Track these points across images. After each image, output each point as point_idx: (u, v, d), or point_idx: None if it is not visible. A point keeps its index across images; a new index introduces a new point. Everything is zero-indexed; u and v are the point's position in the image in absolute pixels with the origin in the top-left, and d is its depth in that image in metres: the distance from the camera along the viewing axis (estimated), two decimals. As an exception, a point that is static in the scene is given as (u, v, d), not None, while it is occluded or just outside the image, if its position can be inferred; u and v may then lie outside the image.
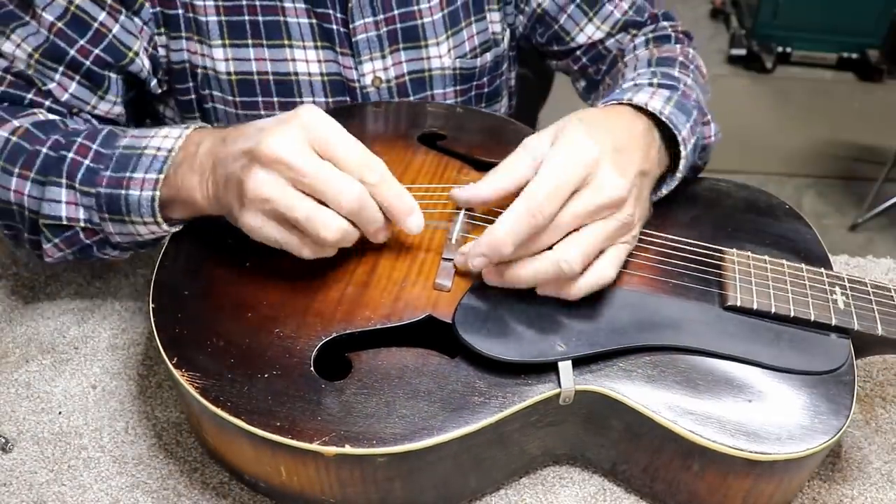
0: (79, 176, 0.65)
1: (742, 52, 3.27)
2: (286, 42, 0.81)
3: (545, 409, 0.58)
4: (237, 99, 0.83)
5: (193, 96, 0.84)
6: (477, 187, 0.62)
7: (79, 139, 0.67)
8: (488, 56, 0.91)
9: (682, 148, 0.68)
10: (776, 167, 2.74)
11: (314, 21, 0.81)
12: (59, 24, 0.73)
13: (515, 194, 0.61)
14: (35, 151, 0.68)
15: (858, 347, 0.62)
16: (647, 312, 0.62)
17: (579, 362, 0.58)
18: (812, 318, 0.61)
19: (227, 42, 0.80)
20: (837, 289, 0.64)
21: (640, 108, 0.69)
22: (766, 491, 0.59)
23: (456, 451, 0.56)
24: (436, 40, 0.86)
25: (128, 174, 0.64)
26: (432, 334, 0.60)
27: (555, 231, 0.58)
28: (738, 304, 0.62)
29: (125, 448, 0.66)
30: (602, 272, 0.60)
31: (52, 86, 0.74)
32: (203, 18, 0.79)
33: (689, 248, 0.67)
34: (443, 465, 0.57)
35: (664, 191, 0.71)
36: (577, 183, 0.58)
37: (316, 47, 0.82)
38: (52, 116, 0.73)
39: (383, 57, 0.85)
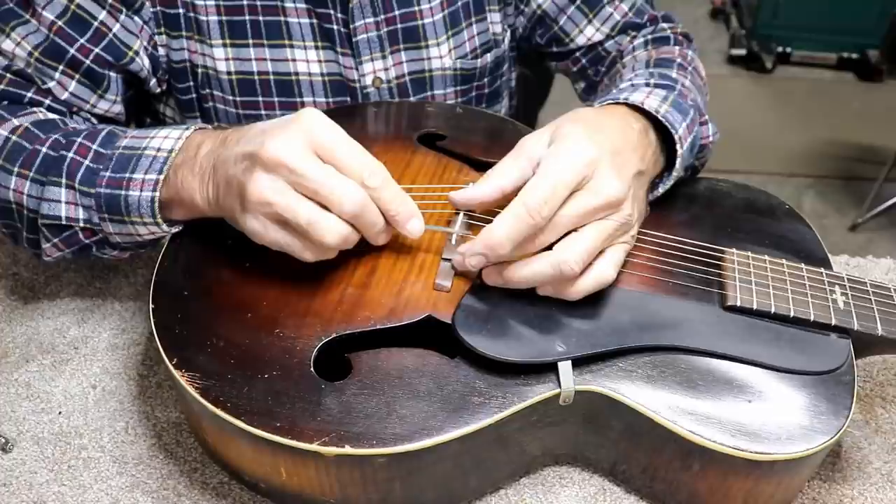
0: (78, 176, 0.65)
1: (742, 52, 3.27)
2: (287, 42, 0.81)
3: (545, 409, 0.58)
4: (237, 98, 0.83)
5: (193, 96, 0.84)
6: (474, 190, 0.63)
7: (79, 139, 0.67)
8: (489, 57, 0.91)
9: (678, 146, 0.68)
10: (776, 167, 2.74)
11: (315, 21, 0.81)
12: (60, 23, 0.73)
13: (514, 194, 0.61)
14: (34, 151, 0.68)
15: (858, 347, 0.62)
16: (647, 312, 0.62)
17: (579, 362, 0.58)
18: (812, 318, 0.61)
19: (227, 42, 0.80)
20: (837, 289, 0.64)
21: (636, 108, 0.69)
22: (767, 491, 0.59)
23: (456, 452, 0.56)
24: (436, 41, 0.86)
25: (127, 175, 0.64)
26: (432, 334, 0.60)
27: (553, 231, 0.58)
28: (738, 304, 0.62)
29: (125, 448, 0.66)
30: (602, 272, 0.60)
31: (51, 84, 0.74)
32: (203, 18, 0.79)
33: (688, 248, 0.67)
34: (443, 466, 0.57)
35: (661, 190, 0.71)
36: (574, 184, 0.58)
37: (316, 47, 0.82)
38: (51, 116, 0.73)
39: (384, 57, 0.85)
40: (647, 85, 0.74)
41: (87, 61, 0.74)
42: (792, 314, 0.62)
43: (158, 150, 0.64)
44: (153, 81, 0.81)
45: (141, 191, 0.63)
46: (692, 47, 0.90)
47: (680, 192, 0.75)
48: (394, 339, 0.59)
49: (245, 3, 0.79)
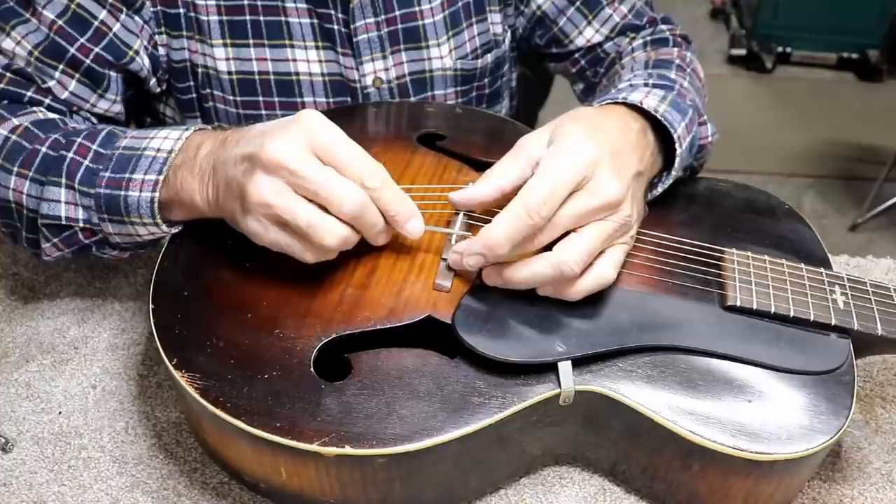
0: (78, 176, 0.65)
1: (742, 52, 3.27)
2: (287, 42, 0.81)
3: (545, 409, 0.58)
4: (238, 98, 0.83)
5: (194, 95, 0.84)
6: (473, 189, 0.63)
7: (78, 139, 0.67)
8: (489, 57, 0.91)
9: (677, 146, 0.68)
10: (776, 167, 2.74)
11: (315, 21, 0.81)
12: (60, 22, 0.73)
13: (513, 194, 0.61)
14: (34, 150, 0.68)
15: (858, 347, 0.62)
16: (647, 312, 0.62)
17: (579, 362, 0.58)
18: (812, 318, 0.61)
19: (228, 41, 0.80)
20: (837, 289, 0.64)
21: (635, 108, 0.69)
22: (767, 491, 0.59)
23: (456, 452, 0.56)
24: (437, 41, 0.86)
25: (127, 175, 0.64)
26: (432, 335, 0.60)
27: (553, 231, 0.58)
28: (738, 304, 0.62)
29: (125, 448, 0.66)
30: (602, 273, 0.60)
31: (51, 84, 0.74)
32: (204, 18, 0.79)
33: (688, 248, 0.67)
34: (443, 466, 0.57)
35: (659, 189, 0.71)
36: (574, 185, 0.58)
37: (317, 47, 0.82)
38: (51, 115, 0.73)
39: (384, 57, 0.85)
40: (646, 85, 0.74)
41: (88, 61, 0.74)
42: (792, 314, 0.62)
43: (158, 150, 0.64)
44: (153, 81, 0.81)
45: (140, 191, 0.63)
46: (691, 49, 0.90)
47: (680, 191, 0.75)
48: (394, 339, 0.59)
49: (246, 2, 0.79)
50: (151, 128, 0.68)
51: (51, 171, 0.66)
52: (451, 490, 0.60)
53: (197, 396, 0.55)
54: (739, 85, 3.20)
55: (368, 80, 0.85)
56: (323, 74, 0.84)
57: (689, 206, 0.74)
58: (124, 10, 0.76)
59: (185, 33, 0.80)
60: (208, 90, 0.83)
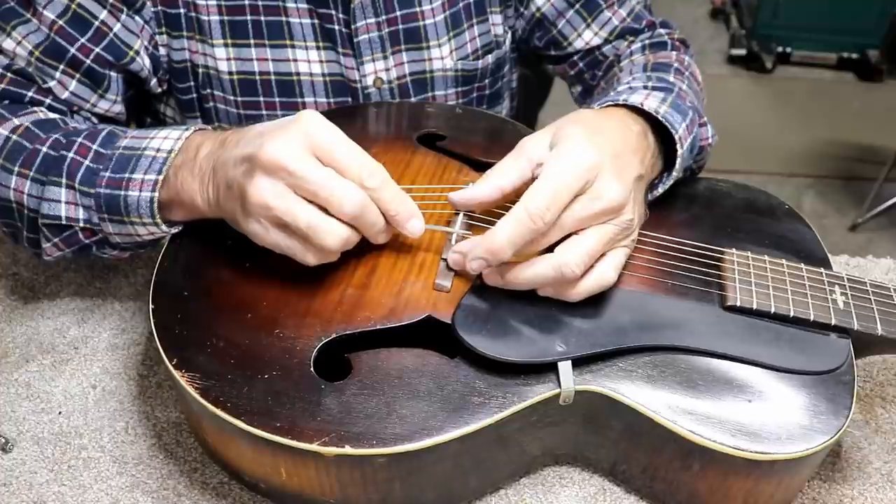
0: (78, 176, 0.65)
1: (742, 52, 3.27)
2: (288, 42, 0.81)
3: (545, 409, 0.58)
4: (238, 98, 0.83)
5: (194, 96, 0.84)
6: (473, 190, 0.63)
7: (79, 139, 0.67)
8: (490, 58, 0.91)
9: (678, 147, 0.68)
10: (776, 167, 2.74)
11: (316, 21, 0.81)
12: (60, 22, 0.73)
13: (513, 194, 0.61)
14: (35, 150, 0.68)
15: (858, 347, 0.62)
16: (647, 313, 0.62)
17: (579, 362, 0.58)
18: (812, 318, 0.61)
19: (229, 42, 0.80)
20: (837, 289, 0.64)
21: (635, 110, 0.69)
22: (767, 491, 0.59)
23: (456, 452, 0.56)
24: (437, 42, 0.86)
25: (127, 175, 0.64)
26: (432, 334, 0.60)
27: (555, 233, 0.58)
28: (738, 304, 0.62)
29: (125, 448, 0.66)
30: (603, 275, 0.60)
31: (52, 84, 0.74)
32: (205, 18, 0.79)
33: (688, 248, 0.67)
34: (443, 466, 0.57)
35: (660, 190, 0.71)
36: (577, 189, 0.58)
37: (318, 48, 0.82)
38: (52, 115, 0.73)
39: (385, 58, 0.85)
40: (645, 88, 0.74)
41: (88, 61, 0.74)
42: (792, 314, 0.62)
43: (158, 150, 0.64)
44: (154, 81, 0.81)
45: (140, 191, 0.63)
46: (689, 53, 0.90)
47: (680, 192, 0.75)
48: (394, 339, 0.59)
49: (247, 3, 0.79)
50: (152, 128, 0.68)
51: (51, 171, 0.66)
52: (451, 490, 0.60)
53: (197, 396, 0.55)
54: (739, 85, 3.20)
55: (369, 81, 0.85)
56: (324, 75, 0.84)
57: (689, 207, 0.74)
58: (125, 10, 0.76)
59: (185, 33, 0.80)
60: (209, 90, 0.83)
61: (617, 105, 0.70)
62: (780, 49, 3.26)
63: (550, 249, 0.59)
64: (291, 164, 0.55)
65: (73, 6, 0.73)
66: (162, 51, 0.80)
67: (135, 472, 0.64)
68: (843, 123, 2.94)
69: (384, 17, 0.83)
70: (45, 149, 0.68)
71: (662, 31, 0.91)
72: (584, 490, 0.63)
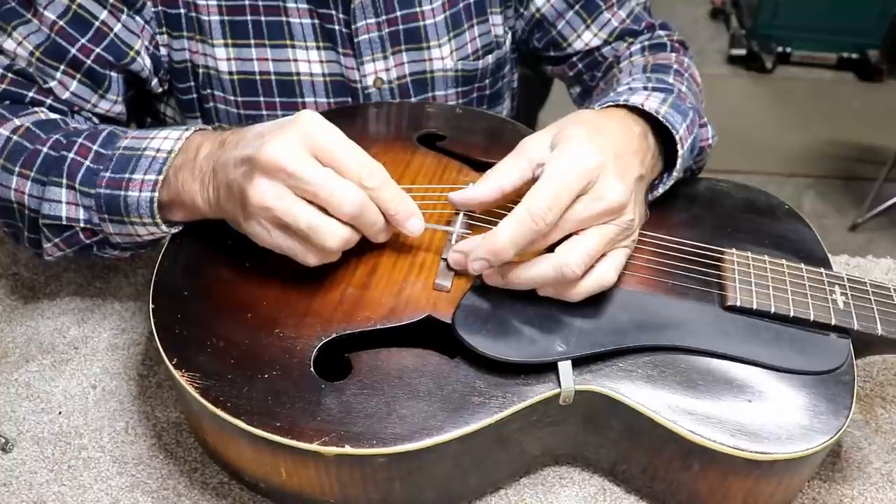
0: (79, 176, 0.65)
1: (742, 52, 3.27)
2: (288, 42, 0.81)
3: (545, 409, 0.58)
4: (239, 99, 0.83)
5: (195, 96, 0.84)
6: (473, 190, 0.63)
7: (79, 139, 0.67)
8: (490, 58, 0.91)
9: (678, 147, 0.68)
10: (776, 167, 2.74)
11: (316, 21, 0.81)
12: (61, 23, 0.73)
13: (513, 194, 0.62)
14: (36, 151, 0.68)
15: (858, 347, 0.62)
16: (647, 313, 0.62)
17: (579, 362, 0.58)
18: (812, 318, 0.61)
19: (229, 42, 0.80)
20: (837, 289, 0.64)
21: (635, 110, 0.69)
22: (767, 491, 0.59)
23: (456, 452, 0.56)
24: (438, 42, 0.86)
25: (127, 175, 0.64)
26: (432, 334, 0.60)
27: (556, 233, 0.58)
28: (738, 304, 0.62)
29: (125, 448, 0.66)
30: (603, 275, 0.60)
31: (52, 84, 0.74)
32: (205, 18, 0.79)
33: (688, 248, 0.67)
34: (442, 466, 0.57)
35: (660, 190, 0.71)
36: (579, 190, 0.58)
37: (318, 48, 0.82)
38: (53, 115, 0.73)
39: (385, 58, 0.85)
40: (645, 88, 0.74)
41: (89, 61, 0.74)
42: (792, 314, 0.62)
43: (158, 150, 0.64)
44: (154, 81, 0.81)
45: (140, 191, 0.63)
46: (688, 55, 0.90)
47: (680, 192, 0.75)
48: (394, 339, 0.59)
49: (247, 3, 0.79)
50: (152, 128, 0.68)
51: (52, 172, 0.66)
52: (451, 490, 0.60)
53: (197, 396, 0.55)
54: (739, 85, 3.20)
55: (369, 81, 0.85)
56: (324, 75, 0.84)
57: (689, 207, 0.74)
58: (125, 10, 0.76)
59: (185, 33, 0.80)
60: (209, 90, 0.83)
61: (617, 106, 0.70)
62: (780, 49, 3.26)
63: (551, 249, 0.59)
64: (291, 164, 0.55)
65: (74, 6, 0.73)
66: (162, 51, 0.80)
67: (135, 472, 0.64)
68: (843, 123, 2.94)
69: (384, 18, 0.83)
70: (45, 149, 0.68)
71: (662, 32, 0.92)
72: (584, 490, 0.63)
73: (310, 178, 0.55)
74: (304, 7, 0.80)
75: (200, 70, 0.82)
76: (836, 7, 3.16)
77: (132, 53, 0.77)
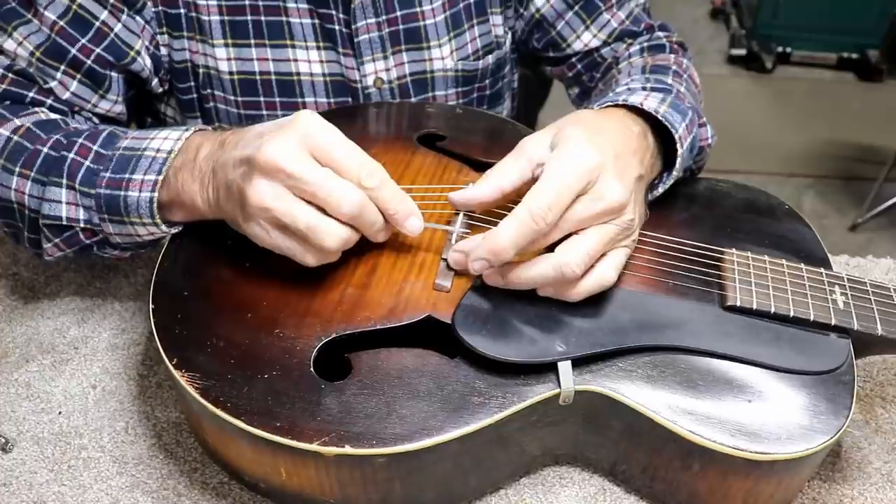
0: (79, 177, 0.65)
1: (742, 52, 3.27)
2: (288, 42, 0.81)
3: (545, 409, 0.58)
4: (239, 99, 0.83)
5: (195, 96, 0.84)
6: (473, 190, 0.63)
7: (80, 140, 0.67)
8: (490, 58, 0.91)
9: (678, 146, 0.68)
10: (776, 167, 2.74)
11: (316, 21, 0.81)
12: (61, 23, 0.73)
13: (513, 194, 0.62)
14: (36, 151, 0.68)
15: (858, 347, 0.62)
16: (647, 313, 0.62)
17: (579, 362, 0.58)
18: (812, 318, 0.61)
19: (229, 42, 0.80)
20: (837, 289, 0.64)
21: (634, 110, 0.69)
22: (767, 491, 0.59)
23: (456, 452, 0.56)
24: (438, 42, 0.86)
25: (127, 175, 0.64)
26: (432, 334, 0.60)
27: (556, 233, 0.58)
28: (738, 304, 0.62)
29: (125, 448, 0.66)
30: (603, 275, 0.60)
31: (53, 84, 0.74)
32: (206, 18, 0.79)
33: (688, 248, 0.67)
34: (442, 466, 0.57)
35: (660, 190, 0.71)
36: (579, 190, 0.58)
37: (318, 48, 0.82)
38: (53, 116, 0.73)
39: (385, 58, 0.85)
40: (644, 89, 0.74)
41: (89, 61, 0.74)
42: (792, 314, 0.62)
43: (158, 150, 0.64)
44: (155, 81, 0.81)
45: (140, 191, 0.63)
46: (687, 56, 0.90)
47: (680, 192, 0.75)
48: (394, 339, 0.59)
49: (247, 3, 0.79)
50: (152, 128, 0.68)
51: (52, 172, 0.66)
52: (451, 490, 0.60)
53: (197, 396, 0.55)
54: (739, 85, 3.20)
55: (369, 81, 0.85)
56: (324, 75, 0.84)
57: (689, 207, 0.74)
58: (125, 10, 0.76)
59: (186, 33, 0.80)
60: (209, 90, 0.83)
61: (616, 105, 0.70)
62: (780, 49, 3.27)
63: (551, 249, 0.59)
64: (289, 165, 0.55)
65: (74, 7, 0.73)
66: (163, 51, 0.80)
67: (135, 472, 0.64)
68: (843, 123, 2.94)
69: (384, 18, 0.83)
70: (45, 149, 0.68)
71: (661, 34, 0.92)
72: (584, 490, 0.63)
73: (308, 179, 0.55)
74: (305, 7, 0.80)
75: (201, 70, 0.82)
76: (836, 7, 3.16)
77: (132, 53, 0.77)
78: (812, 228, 0.73)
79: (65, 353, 0.74)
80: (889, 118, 2.94)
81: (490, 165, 0.64)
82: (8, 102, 0.73)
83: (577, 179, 0.58)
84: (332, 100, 0.85)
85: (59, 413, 0.68)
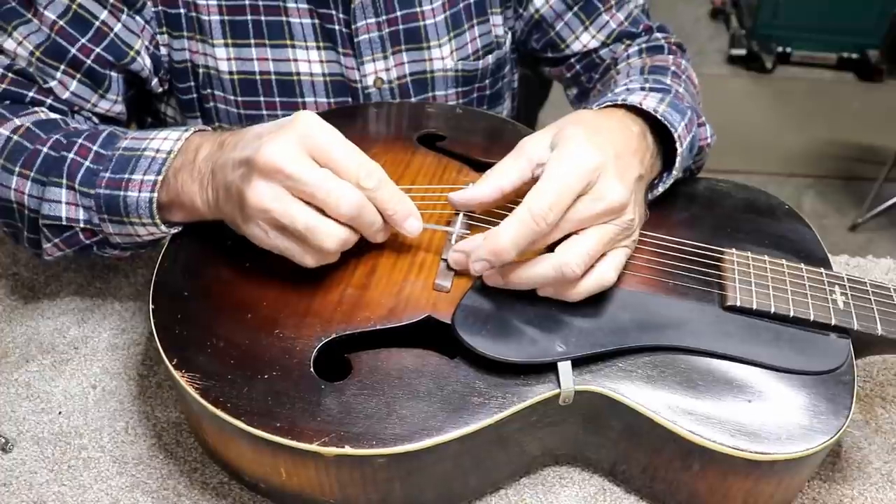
0: (79, 177, 0.65)
1: (742, 52, 3.27)
2: (288, 42, 0.81)
3: (545, 409, 0.58)
4: (239, 98, 0.83)
5: (195, 96, 0.84)
6: (473, 190, 0.63)
7: (79, 140, 0.67)
8: (490, 58, 0.91)
9: (677, 145, 0.68)
10: (776, 167, 2.74)
11: (316, 21, 0.81)
12: (61, 23, 0.73)
13: (513, 195, 0.62)
14: (36, 151, 0.68)
15: (858, 347, 0.62)
16: (647, 313, 0.62)
17: (579, 363, 0.58)
18: (811, 318, 0.61)
19: (229, 42, 0.80)
20: (837, 289, 0.64)
21: (634, 110, 0.69)
22: (767, 491, 0.59)
23: (456, 452, 0.56)
24: (438, 42, 0.86)
25: (126, 176, 0.64)
26: (432, 335, 0.60)
27: (557, 233, 0.58)
28: (738, 304, 0.62)
29: (125, 448, 0.66)
30: (603, 275, 0.60)
31: (53, 84, 0.74)
32: (206, 18, 0.79)
33: (688, 248, 0.67)
34: (442, 466, 0.57)
35: (660, 189, 0.71)
36: (580, 190, 0.58)
37: (318, 47, 0.82)
38: (53, 115, 0.73)
39: (385, 58, 0.85)
40: (643, 89, 0.74)
41: (89, 61, 0.74)
42: (792, 314, 0.62)
43: (157, 151, 0.64)
44: (154, 81, 0.81)
45: (139, 191, 0.63)
46: (686, 57, 0.90)
47: (680, 192, 0.75)
48: (394, 339, 0.59)
49: (247, 2, 0.79)
50: (152, 129, 0.68)
51: (52, 172, 0.66)
52: (451, 490, 0.60)
53: (197, 396, 0.55)
54: (739, 85, 3.20)
55: (369, 81, 0.85)
56: (324, 75, 0.84)
57: (689, 207, 0.74)
58: (125, 10, 0.76)
59: (186, 33, 0.80)
60: (209, 90, 0.83)
61: (616, 105, 0.70)
62: (780, 49, 3.27)
63: (551, 249, 0.59)
64: (288, 166, 0.55)
65: (74, 6, 0.73)
66: (163, 51, 0.80)
67: (135, 472, 0.64)
68: (843, 123, 2.94)
69: (384, 17, 0.83)
70: (45, 149, 0.68)
71: (659, 35, 0.92)
72: (584, 490, 0.63)
73: (307, 180, 0.55)
74: (305, 7, 0.80)
75: (200, 70, 0.82)
76: (836, 7, 3.16)
77: (132, 53, 0.77)
78: (812, 228, 0.73)
79: (65, 353, 0.74)
80: (889, 118, 2.94)
81: (490, 165, 0.64)
82: (8, 102, 0.73)
83: (578, 180, 0.58)
84: (332, 100, 0.85)
85: (59, 413, 0.68)
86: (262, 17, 0.80)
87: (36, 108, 0.73)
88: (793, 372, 0.59)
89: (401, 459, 0.54)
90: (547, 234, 0.58)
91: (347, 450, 0.52)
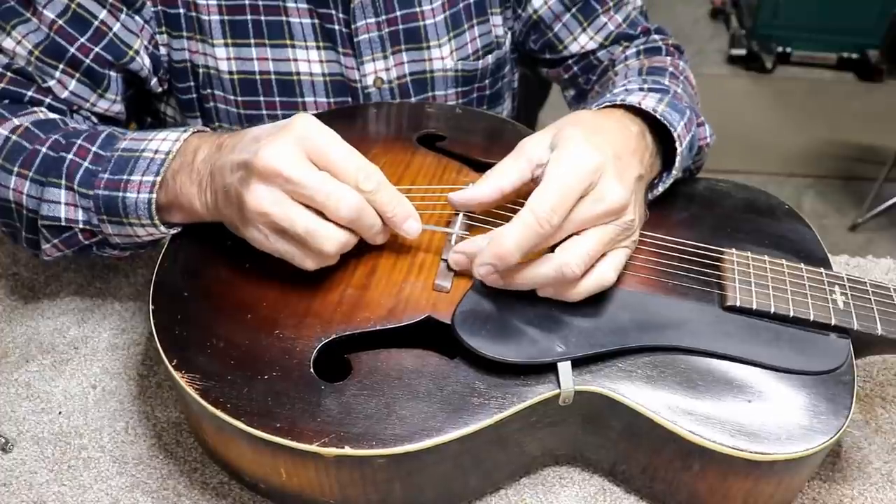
0: (77, 177, 0.65)
1: (742, 52, 3.27)
2: (288, 42, 0.81)
3: (545, 409, 0.58)
4: (239, 98, 0.83)
5: (194, 96, 0.84)
6: (473, 190, 0.63)
7: (78, 140, 0.67)
8: (490, 58, 0.91)
9: (677, 145, 0.68)
10: (776, 167, 2.74)
11: (316, 21, 0.81)
12: (60, 22, 0.73)
13: (512, 195, 0.61)
14: (34, 151, 0.68)
15: (858, 347, 0.62)
16: (647, 313, 0.62)
17: (579, 363, 0.58)
18: (811, 318, 0.61)
19: (229, 41, 0.80)
20: (837, 289, 0.64)
21: (633, 110, 0.69)
22: (766, 491, 0.59)
23: (455, 452, 0.56)
24: (438, 42, 0.86)
25: (125, 176, 0.64)
26: (432, 335, 0.60)
27: (558, 234, 0.58)
28: (738, 304, 0.62)
29: (125, 448, 0.66)
30: (603, 275, 0.60)
31: (51, 83, 0.74)
32: (205, 17, 0.79)
33: (688, 248, 0.67)
34: (442, 466, 0.57)
35: (660, 189, 0.71)
36: (581, 191, 0.58)
37: (318, 47, 0.82)
38: (52, 115, 0.73)
39: (385, 58, 0.85)
40: (642, 89, 0.74)
41: (88, 60, 0.74)
42: (791, 314, 0.62)
43: (156, 152, 0.64)
44: (154, 81, 0.81)
45: (138, 192, 0.63)
46: (684, 58, 0.90)
47: (679, 192, 0.75)
48: (393, 339, 0.59)
49: (247, 2, 0.79)
50: (151, 130, 0.68)
51: (51, 172, 0.66)
52: (451, 490, 0.60)
53: (197, 397, 0.55)
54: (739, 85, 3.20)
55: (369, 81, 0.85)
56: (324, 74, 0.84)
57: (689, 207, 0.74)
58: (124, 9, 0.76)
59: (185, 33, 0.80)
60: (209, 90, 0.83)
61: (614, 106, 0.70)
62: (780, 49, 3.27)
63: (551, 249, 0.59)
64: (287, 169, 0.55)
65: (73, 6, 0.73)
66: (162, 50, 0.80)
67: (135, 472, 0.64)
68: (843, 123, 2.94)
69: (384, 17, 0.83)
70: (44, 149, 0.68)
71: (657, 37, 0.92)
72: (584, 490, 0.63)
73: (306, 183, 0.55)
74: (304, 7, 0.80)
75: (200, 70, 0.82)
76: (836, 7, 3.17)
77: (131, 53, 0.77)
78: (812, 228, 0.73)
79: (65, 353, 0.74)
80: (889, 118, 2.94)
81: (490, 166, 0.64)
82: (6, 101, 0.73)
83: (580, 181, 0.58)
84: (331, 100, 0.85)
85: (59, 413, 0.68)
86: (262, 17, 0.80)
87: (35, 108, 0.73)
88: (793, 372, 0.59)
89: (401, 460, 0.54)
90: (550, 237, 0.58)
91: (347, 450, 0.52)
